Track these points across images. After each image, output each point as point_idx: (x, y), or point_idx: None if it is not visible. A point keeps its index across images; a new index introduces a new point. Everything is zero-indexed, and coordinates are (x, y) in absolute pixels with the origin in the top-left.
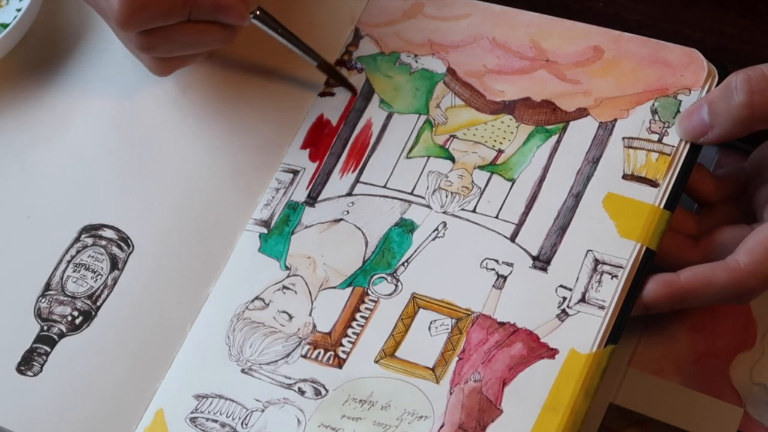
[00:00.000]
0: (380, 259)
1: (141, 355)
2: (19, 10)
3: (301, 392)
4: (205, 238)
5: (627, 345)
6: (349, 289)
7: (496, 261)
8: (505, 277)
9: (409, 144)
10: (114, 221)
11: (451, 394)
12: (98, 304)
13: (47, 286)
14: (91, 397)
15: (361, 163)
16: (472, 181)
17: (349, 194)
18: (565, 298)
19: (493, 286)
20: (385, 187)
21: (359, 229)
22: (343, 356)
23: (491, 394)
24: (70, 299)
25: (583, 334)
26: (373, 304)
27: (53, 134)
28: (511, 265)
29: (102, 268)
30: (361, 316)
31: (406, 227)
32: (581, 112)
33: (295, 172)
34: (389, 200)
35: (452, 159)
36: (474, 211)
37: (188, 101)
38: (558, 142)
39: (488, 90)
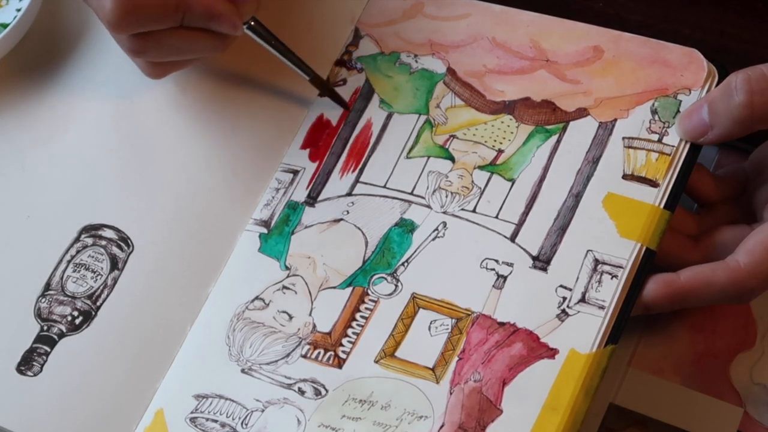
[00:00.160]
0: (380, 259)
1: (141, 355)
2: (19, 10)
3: (301, 392)
4: (205, 238)
5: (627, 345)
6: (349, 289)
7: (496, 261)
8: (505, 277)
9: (409, 144)
10: (114, 221)
11: (451, 394)
12: (98, 304)
13: (47, 286)
14: (91, 397)
15: (361, 163)
16: (472, 181)
17: (349, 194)
18: (565, 298)
19: (493, 286)
20: (385, 187)
21: (359, 229)
22: (343, 356)
23: (491, 394)
24: (70, 299)
25: (583, 334)
26: (373, 304)
27: (53, 134)
28: (511, 265)
29: (102, 268)
30: (361, 316)
31: (406, 227)
32: (581, 112)
33: (295, 172)
34: (389, 200)
35: (452, 159)
36: (474, 211)
37: (188, 101)
38: (558, 142)
39: (488, 90)
